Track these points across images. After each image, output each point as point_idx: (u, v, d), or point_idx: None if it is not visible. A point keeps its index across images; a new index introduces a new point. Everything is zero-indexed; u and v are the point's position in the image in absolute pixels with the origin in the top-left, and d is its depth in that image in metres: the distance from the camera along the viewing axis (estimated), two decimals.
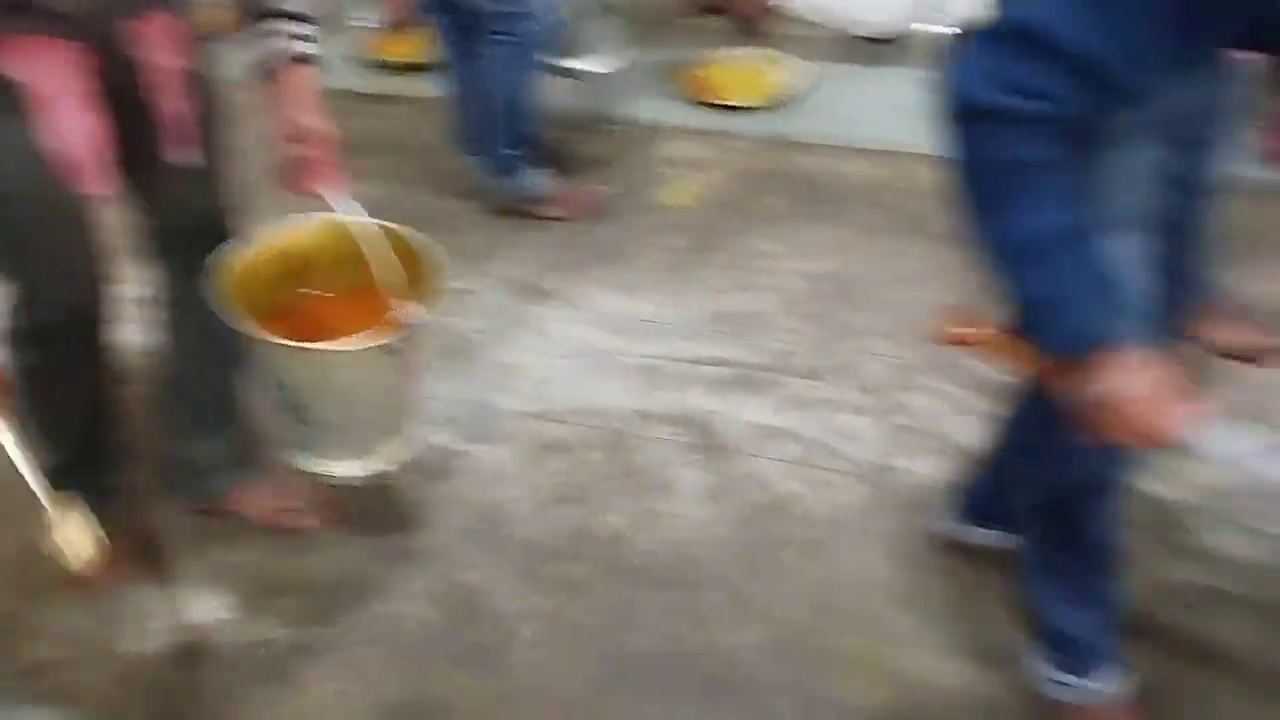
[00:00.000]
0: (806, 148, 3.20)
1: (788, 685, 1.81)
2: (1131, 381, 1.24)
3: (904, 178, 3.01)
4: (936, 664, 1.83)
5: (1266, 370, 2.35)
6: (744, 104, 3.39)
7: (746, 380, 2.44)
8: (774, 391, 2.41)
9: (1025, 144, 1.21)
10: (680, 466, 2.23)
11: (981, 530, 1.96)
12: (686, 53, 3.57)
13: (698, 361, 2.50)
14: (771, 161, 3.17)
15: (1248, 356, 2.37)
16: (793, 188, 3.04)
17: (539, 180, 2.96)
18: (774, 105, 3.39)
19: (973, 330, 1.49)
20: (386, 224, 1.82)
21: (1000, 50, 1.20)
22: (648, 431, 2.32)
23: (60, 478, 1.46)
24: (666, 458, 2.25)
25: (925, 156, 2.94)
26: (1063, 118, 1.19)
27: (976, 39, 1.22)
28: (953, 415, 2.30)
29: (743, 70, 3.50)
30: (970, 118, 1.22)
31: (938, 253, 2.68)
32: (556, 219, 2.95)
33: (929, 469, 2.18)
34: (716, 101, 3.42)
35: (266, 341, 1.69)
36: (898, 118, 3.15)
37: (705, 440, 2.29)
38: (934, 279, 2.62)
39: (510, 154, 2.90)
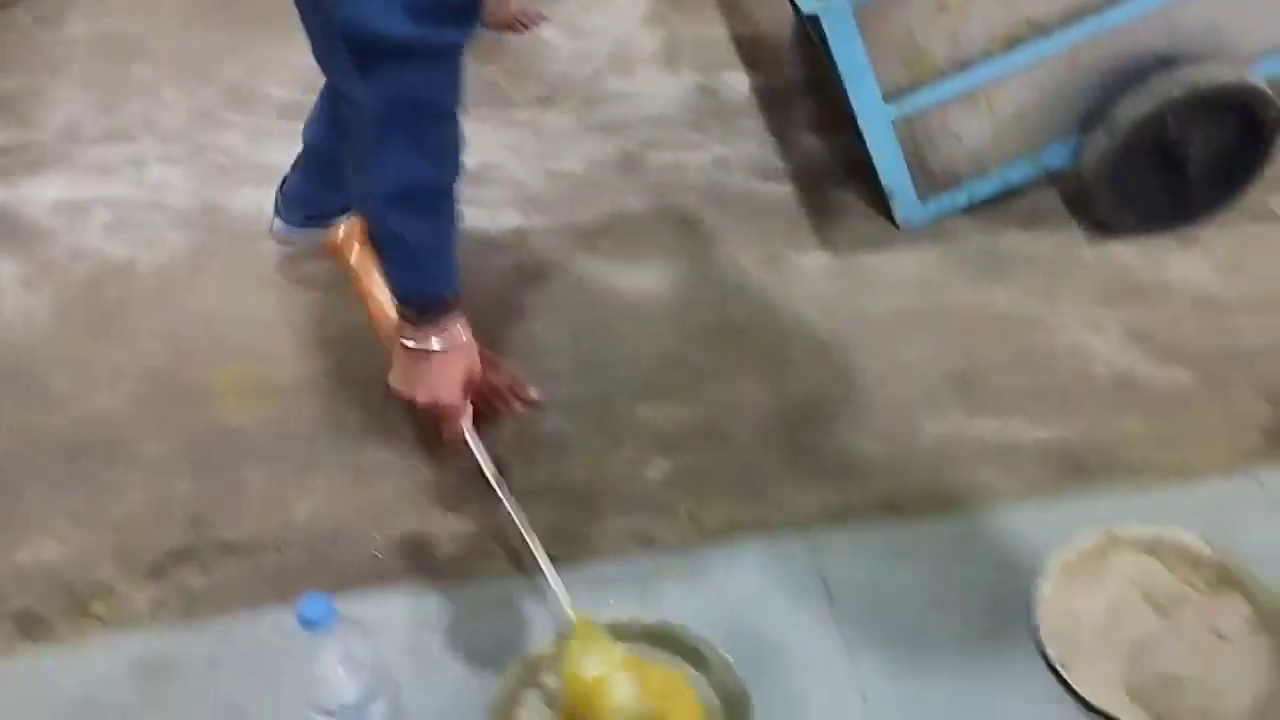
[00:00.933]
0: None
1: (162, 426, 1.78)
2: (454, 353, 1.33)
3: None
4: (304, 367, 1.87)
5: (530, 35, 2.58)
6: None
7: (36, 161, 2.26)
8: (70, 164, 2.26)
9: (431, 80, 1.17)
10: None
11: (310, 230, 2.01)
12: None
13: None
14: None
15: (513, 27, 2.58)
16: None
17: None
18: None
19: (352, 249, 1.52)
20: None
21: None
22: None
23: None
24: None
25: None
26: (463, 45, 1.16)
27: None
28: (263, 140, 2.30)
29: None
30: (377, 53, 1.14)
31: None
32: None
33: (253, 197, 2.16)
34: None
35: None
36: None
37: (7, 232, 2.11)
38: (208, 22, 2.55)
39: None
